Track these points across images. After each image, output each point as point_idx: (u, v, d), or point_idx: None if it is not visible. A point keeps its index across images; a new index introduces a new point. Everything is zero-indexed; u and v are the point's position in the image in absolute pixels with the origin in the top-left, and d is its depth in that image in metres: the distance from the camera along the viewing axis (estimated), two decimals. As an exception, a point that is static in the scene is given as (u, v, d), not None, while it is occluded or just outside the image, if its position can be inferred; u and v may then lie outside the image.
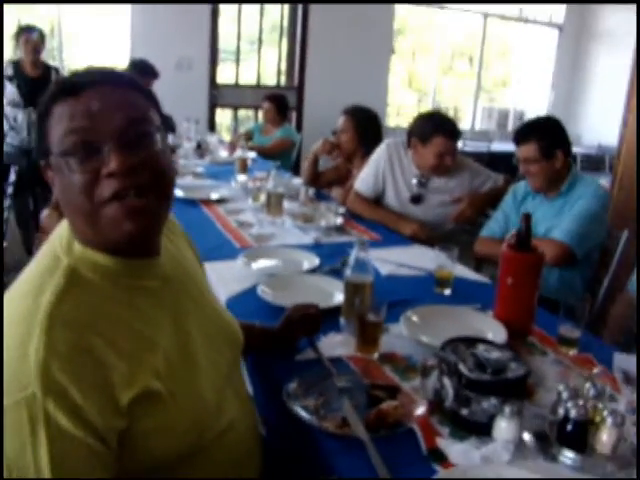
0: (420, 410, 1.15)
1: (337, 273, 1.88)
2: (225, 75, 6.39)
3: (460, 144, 2.97)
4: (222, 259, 1.98)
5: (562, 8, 7.76)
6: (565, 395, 1.09)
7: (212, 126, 6.20)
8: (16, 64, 4.41)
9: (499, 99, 8.71)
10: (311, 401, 1.17)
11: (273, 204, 2.51)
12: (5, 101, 4.45)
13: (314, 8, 6.26)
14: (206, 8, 5.83)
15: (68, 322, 0.78)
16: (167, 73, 4.62)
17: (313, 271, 1.91)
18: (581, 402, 1.04)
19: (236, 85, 6.44)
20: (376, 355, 1.38)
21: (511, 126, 8.04)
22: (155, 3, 5.43)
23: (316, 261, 1.97)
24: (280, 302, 1.59)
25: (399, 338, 1.46)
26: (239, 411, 1.05)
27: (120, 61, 5.30)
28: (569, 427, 1.04)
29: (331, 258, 2.03)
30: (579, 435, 1.04)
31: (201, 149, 4.26)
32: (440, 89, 8.08)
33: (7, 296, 0.85)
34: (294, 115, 6.45)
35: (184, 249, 1.11)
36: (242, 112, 6.83)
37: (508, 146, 6.97)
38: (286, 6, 6.44)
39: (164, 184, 0.88)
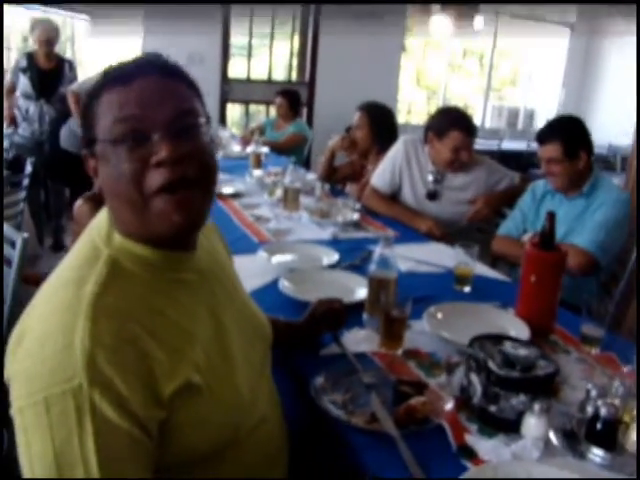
0: (448, 406, 1.15)
1: (357, 269, 1.88)
2: (236, 70, 6.39)
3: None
4: (241, 253, 1.97)
5: (573, 7, 7.72)
6: (594, 393, 1.09)
7: (223, 121, 6.20)
8: (30, 56, 4.43)
9: (509, 97, 8.69)
10: (338, 396, 1.18)
11: (290, 199, 2.52)
12: (18, 93, 4.47)
13: (326, 4, 6.25)
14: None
15: (112, 312, 0.78)
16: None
17: (332, 267, 1.92)
18: (611, 401, 1.04)
19: (247, 80, 6.44)
20: (400, 351, 1.38)
21: (521, 125, 8.03)
22: (163, 4, 5.43)
23: (335, 256, 1.97)
24: (302, 297, 1.60)
25: (422, 334, 1.46)
26: (269, 406, 1.05)
27: (132, 55, 5.30)
28: (599, 425, 1.04)
29: (350, 254, 2.04)
30: (609, 433, 1.04)
31: (214, 144, 4.26)
32: (449, 87, 8.07)
33: (46, 286, 0.85)
34: (305, 111, 6.44)
35: (216, 243, 1.11)
36: (252, 107, 6.84)
37: (519, 144, 7.01)
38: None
39: (209, 177, 0.88)
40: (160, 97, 0.83)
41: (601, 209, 2.18)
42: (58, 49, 4.64)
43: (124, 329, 0.77)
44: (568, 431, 1.10)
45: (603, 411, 1.03)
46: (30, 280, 1.81)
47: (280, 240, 2.20)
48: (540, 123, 8.55)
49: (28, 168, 3.38)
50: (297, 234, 2.30)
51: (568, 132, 2.21)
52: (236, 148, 4.34)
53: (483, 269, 2.02)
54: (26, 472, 0.74)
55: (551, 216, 1.50)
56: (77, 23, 5.75)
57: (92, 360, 0.73)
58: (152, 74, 0.85)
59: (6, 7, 4.19)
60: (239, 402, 0.92)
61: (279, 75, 6.74)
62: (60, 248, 4.60)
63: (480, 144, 6.71)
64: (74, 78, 4.56)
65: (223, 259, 1.11)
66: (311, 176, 3.36)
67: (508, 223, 2.46)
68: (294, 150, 4.47)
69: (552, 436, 1.08)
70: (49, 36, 4.35)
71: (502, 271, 2.30)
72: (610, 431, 1.04)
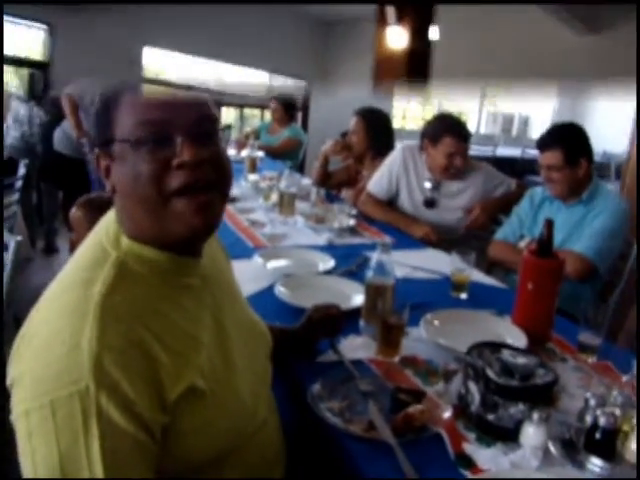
0: (446, 415, 1.14)
1: (352, 275, 1.87)
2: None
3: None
4: (236, 258, 1.96)
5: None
6: (593, 402, 1.08)
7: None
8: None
9: (503, 104, 8.72)
10: (335, 404, 1.17)
11: (285, 204, 2.51)
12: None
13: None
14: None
15: (119, 314, 0.77)
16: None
17: (328, 272, 1.91)
18: (610, 410, 1.04)
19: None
20: (397, 358, 1.37)
21: (516, 131, 8.06)
22: (162, 3, 5.43)
23: (331, 262, 1.96)
24: (297, 303, 1.59)
25: (418, 342, 1.45)
26: (268, 411, 1.04)
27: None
28: (598, 435, 1.03)
29: (345, 259, 2.03)
30: (608, 443, 1.03)
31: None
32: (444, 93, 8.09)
33: (52, 288, 0.84)
34: (299, 115, 6.44)
35: (216, 248, 1.10)
36: (247, 111, 6.84)
37: (513, 151, 7.04)
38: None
39: (226, 182, 0.89)
40: (184, 101, 0.85)
41: (600, 217, 2.18)
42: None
43: (131, 331, 0.77)
44: (567, 440, 1.09)
45: (602, 420, 1.03)
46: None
47: (275, 245, 2.19)
48: (535, 129, 8.59)
49: (21, 170, 3.36)
50: (292, 239, 2.29)
51: (569, 139, 2.21)
52: (231, 152, 4.33)
53: (479, 276, 2.02)
54: (28, 474, 0.73)
55: (549, 223, 1.50)
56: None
57: (99, 362, 0.72)
58: None
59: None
60: (241, 407, 0.92)
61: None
62: (52, 251, 4.57)
63: (475, 150, 6.80)
64: None
65: (223, 266, 1.11)
66: (306, 181, 3.36)
67: (505, 228, 2.45)
68: (289, 154, 4.46)
69: (551, 445, 1.07)
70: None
71: (498, 277, 2.30)
72: (609, 440, 1.03)
